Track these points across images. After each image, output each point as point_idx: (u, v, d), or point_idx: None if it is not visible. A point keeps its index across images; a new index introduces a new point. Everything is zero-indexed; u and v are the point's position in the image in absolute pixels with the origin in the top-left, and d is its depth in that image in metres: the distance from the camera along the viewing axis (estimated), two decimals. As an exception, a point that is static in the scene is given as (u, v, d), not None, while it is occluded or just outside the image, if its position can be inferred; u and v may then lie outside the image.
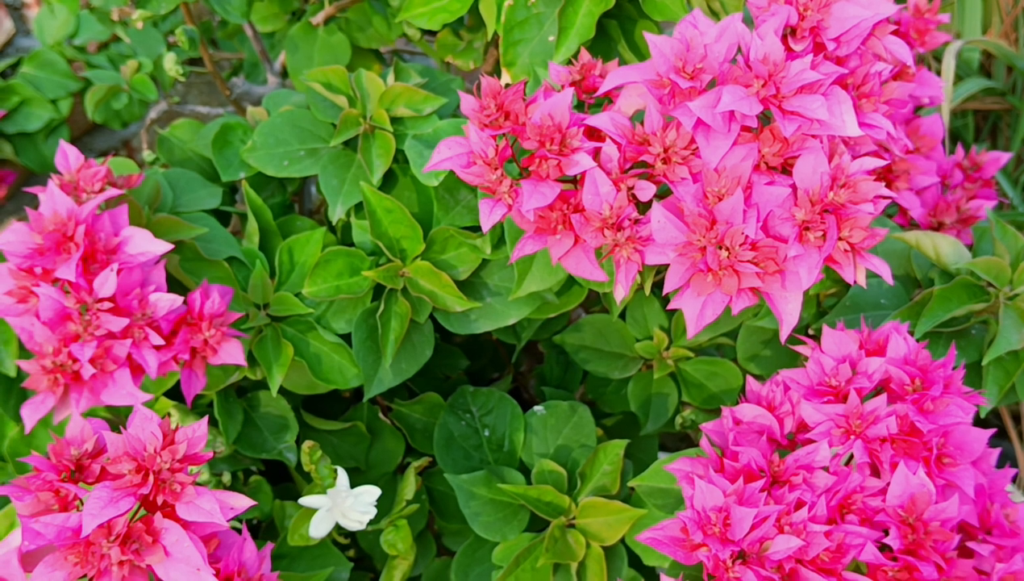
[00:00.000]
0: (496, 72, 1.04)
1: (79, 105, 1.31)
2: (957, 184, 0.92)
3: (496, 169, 0.61)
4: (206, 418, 0.55)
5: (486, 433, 0.91)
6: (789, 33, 0.64)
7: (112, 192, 0.71)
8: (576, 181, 0.64)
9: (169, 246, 0.69)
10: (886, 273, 0.62)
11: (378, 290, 0.81)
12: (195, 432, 0.53)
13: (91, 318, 0.66)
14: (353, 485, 0.79)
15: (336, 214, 0.84)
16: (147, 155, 0.91)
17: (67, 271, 0.66)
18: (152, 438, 0.52)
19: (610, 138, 0.63)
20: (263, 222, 0.84)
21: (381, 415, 0.93)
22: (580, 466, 0.86)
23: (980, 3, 1.35)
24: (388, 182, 0.86)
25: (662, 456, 1.13)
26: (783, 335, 0.64)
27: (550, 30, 0.85)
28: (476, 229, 0.82)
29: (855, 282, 0.62)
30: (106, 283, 0.67)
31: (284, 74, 1.09)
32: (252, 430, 0.83)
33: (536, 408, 0.91)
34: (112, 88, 0.95)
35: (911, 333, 0.74)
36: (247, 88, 1.06)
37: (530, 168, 0.61)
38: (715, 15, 0.83)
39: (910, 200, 0.87)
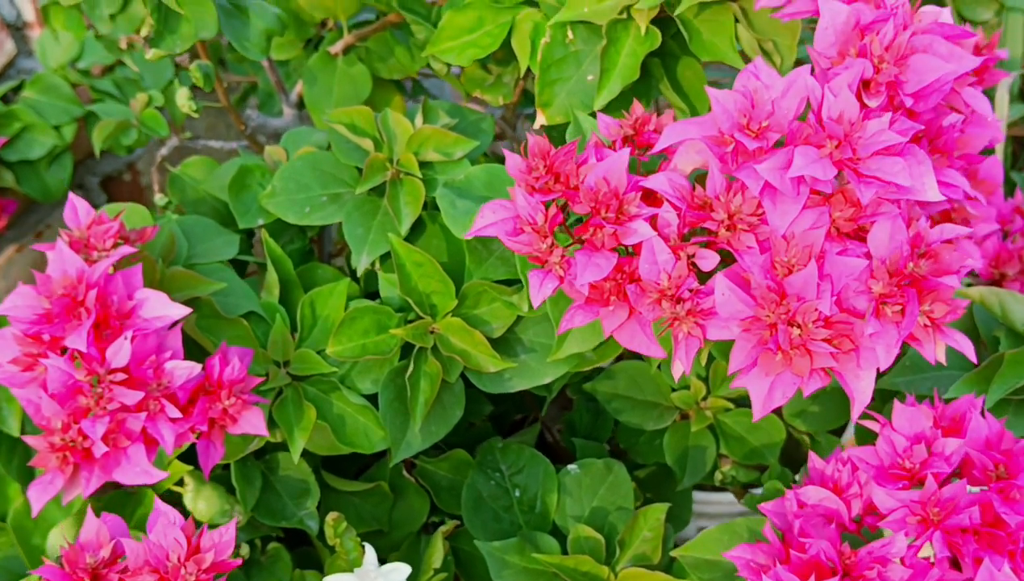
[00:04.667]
0: (521, 103, 0.99)
1: (82, 128, 1.26)
2: (1018, 230, 0.87)
3: (546, 237, 0.56)
4: (234, 523, 0.50)
5: (517, 493, 0.86)
6: (862, 86, 0.59)
7: (125, 250, 0.66)
8: (631, 248, 0.58)
9: (187, 311, 0.64)
10: (969, 351, 0.57)
11: (406, 347, 0.76)
12: (222, 537, 0.48)
13: (103, 391, 0.61)
14: (375, 545, 0.74)
15: (361, 265, 0.79)
16: (159, 199, 0.85)
17: (78, 340, 0.61)
18: (176, 545, 0.47)
19: (668, 201, 0.58)
20: (283, 273, 0.79)
21: (405, 472, 0.88)
22: (619, 532, 0.81)
23: (1021, 30, 1.30)
24: (415, 229, 0.80)
25: (697, 497, 1.08)
26: (854, 414, 0.59)
27: (589, 69, 0.80)
28: (511, 282, 0.77)
29: (936, 361, 0.57)
30: (120, 352, 0.62)
31: (300, 105, 1.04)
32: (271, 495, 0.78)
33: (570, 467, 0.86)
34: (121, 123, 0.90)
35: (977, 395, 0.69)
36: (262, 121, 1.00)
37: (583, 237, 0.56)
38: (767, 55, 0.78)
39: (969, 249, 0.82)
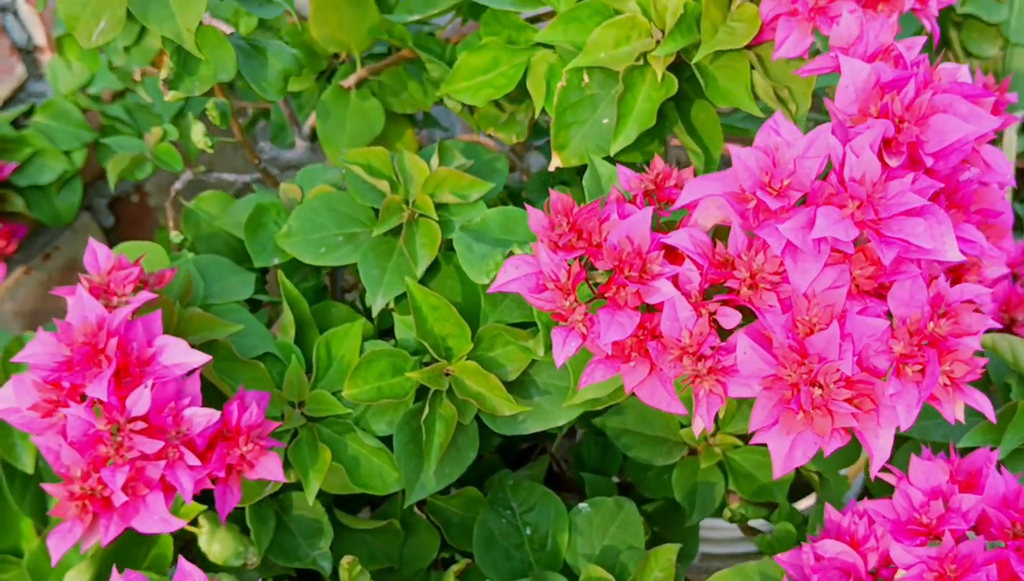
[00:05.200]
0: (531, 135, 0.99)
1: (92, 151, 1.26)
2: (1027, 273, 0.87)
3: (569, 294, 0.56)
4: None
5: (528, 532, 0.86)
6: (883, 145, 0.59)
7: (145, 296, 0.66)
8: (652, 305, 0.59)
9: (206, 358, 0.64)
10: (989, 410, 0.58)
11: (421, 390, 0.76)
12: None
13: (123, 439, 0.61)
14: (385, 583, 0.75)
15: (377, 306, 0.79)
16: (175, 236, 0.86)
17: (99, 390, 0.61)
18: (200, 608, 0.47)
19: (689, 258, 0.58)
20: (298, 313, 0.79)
21: (416, 509, 0.88)
22: (630, 572, 0.81)
23: (1026, 62, 1.31)
24: (430, 270, 0.81)
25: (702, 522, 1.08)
26: (873, 470, 0.59)
27: (604, 113, 0.81)
28: (526, 325, 0.77)
29: (955, 421, 0.57)
30: (140, 401, 0.62)
31: (313, 137, 1.04)
32: (284, 535, 0.78)
33: (581, 506, 0.86)
34: (136, 157, 0.90)
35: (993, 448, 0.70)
36: (275, 153, 1.01)
37: (606, 294, 0.57)
38: (782, 102, 0.79)
39: (981, 295, 0.83)
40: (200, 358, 0.64)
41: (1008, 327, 0.84)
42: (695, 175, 0.85)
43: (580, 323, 0.56)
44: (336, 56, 1.05)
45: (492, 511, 0.86)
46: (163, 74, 0.73)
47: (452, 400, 0.76)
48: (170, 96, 0.73)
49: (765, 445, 0.97)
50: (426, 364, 0.76)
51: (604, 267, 0.57)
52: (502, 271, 0.59)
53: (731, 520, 0.94)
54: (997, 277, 0.85)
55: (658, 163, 0.63)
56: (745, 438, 0.92)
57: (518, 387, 0.78)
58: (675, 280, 0.57)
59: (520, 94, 0.91)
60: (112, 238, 1.52)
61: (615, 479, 1.02)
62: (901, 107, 0.59)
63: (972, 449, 0.72)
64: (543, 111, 0.84)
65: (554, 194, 0.58)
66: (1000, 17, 1.22)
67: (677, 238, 0.58)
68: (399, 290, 0.79)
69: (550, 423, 0.78)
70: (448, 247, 0.81)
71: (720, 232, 0.62)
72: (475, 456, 0.79)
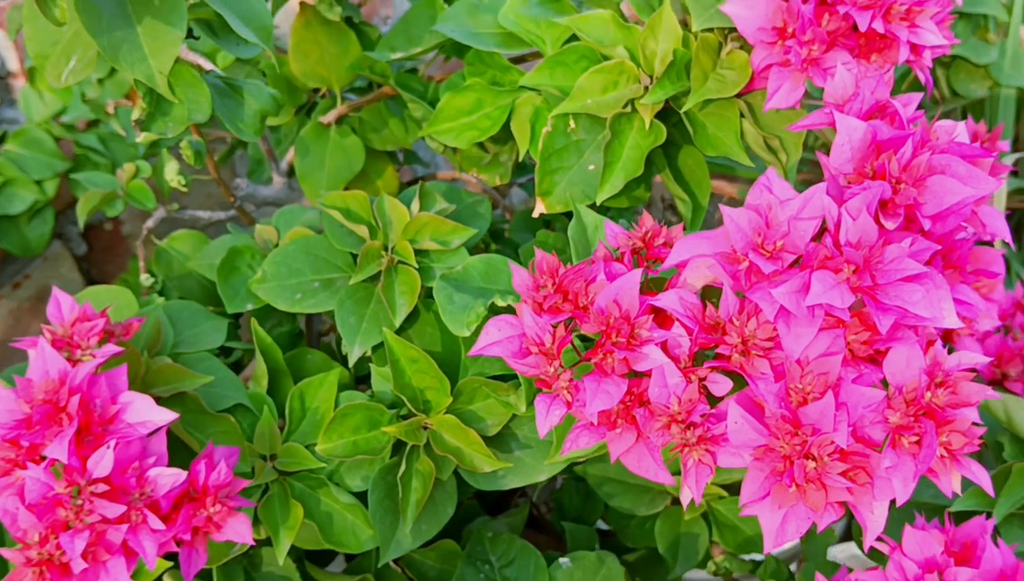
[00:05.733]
0: (514, 173, 0.97)
1: (64, 180, 1.24)
2: (1019, 325, 0.86)
3: (554, 360, 0.54)
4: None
5: (507, 587, 0.83)
6: (880, 207, 0.57)
7: (110, 349, 0.63)
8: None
9: (173, 416, 0.61)
10: (986, 483, 0.56)
11: (398, 444, 0.74)
12: None
13: (83, 503, 0.58)
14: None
15: (354, 355, 0.76)
16: (145, 279, 0.83)
17: (59, 451, 0.58)
18: None
19: (679, 321, 0.56)
20: (271, 362, 0.77)
21: (391, 563, 0.86)
22: (611, 631, 0.78)
23: (1013, 104, 1.30)
24: (410, 317, 0.78)
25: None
26: (866, 543, 0.57)
27: (591, 159, 0.78)
28: (507, 378, 0.75)
29: (952, 494, 0.55)
30: (101, 462, 0.59)
31: (291, 172, 1.02)
32: (254, 594, 0.75)
33: (562, 561, 0.84)
34: (107, 195, 0.87)
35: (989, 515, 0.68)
36: (251, 189, 0.98)
37: (593, 360, 0.54)
38: (772, 152, 0.77)
39: (971, 347, 0.81)
40: (166, 416, 0.61)
41: (999, 382, 0.82)
42: (682, 223, 0.84)
43: (565, 390, 0.54)
44: (316, 90, 1.02)
45: (470, 565, 0.83)
46: (135, 115, 0.71)
47: (430, 455, 0.73)
48: (142, 138, 0.70)
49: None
50: (403, 417, 0.74)
51: (590, 331, 0.55)
52: (484, 333, 0.56)
53: (715, 574, 0.92)
54: (988, 330, 0.84)
55: (647, 220, 0.61)
56: (730, 488, 0.90)
57: (498, 441, 0.75)
58: (664, 345, 0.55)
59: (504, 135, 0.89)
60: (85, 266, 1.48)
61: (596, 534, 1.00)
62: (898, 168, 0.57)
63: (966, 513, 0.70)
64: (527, 152, 0.82)
65: (539, 253, 0.56)
66: (989, 59, 1.21)
67: (666, 301, 0.56)
68: (377, 339, 0.76)
69: (531, 479, 0.75)
70: (428, 294, 0.78)
71: (710, 292, 0.60)
72: (453, 511, 0.76)
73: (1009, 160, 1.12)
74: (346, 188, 1.01)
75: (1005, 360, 0.82)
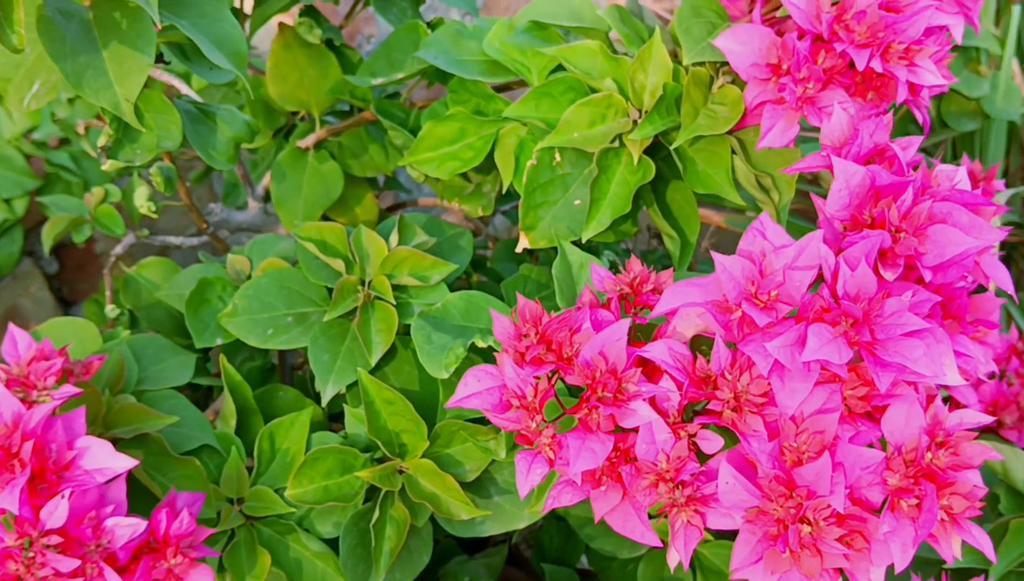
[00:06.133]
0: (497, 199, 0.94)
1: (35, 197, 1.20)
2: (1014, 370, 0.83)
3: (536, 414, 0.51)
4: None
5: (484, 636, 0.80)
6: (879, 256, 0.55)
7: (68, 391, 0.60)
8: (627, 424, 0.54)
9: (133, 463, 0.58)
10: (988, 549, 0.53)
11: (372, 489, 0.70)
12: None
13: (35, 555, 0.55)
14: None
15: (327, 394, 0.73)
16: (110, 311, 0.79)
17: (9, 500, 0.54)
18: None
19: (668, 374, 0.53)
20: (240, 401, 0.73)
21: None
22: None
23: (1004, 136, 1.28)
24: (386, 354, 0.75)
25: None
26: (861, 609, 0.54)
27: (576, 193, 0.76)
28: (487, 420, 0.72)
29: (952, 559, 0.52)
30: (55, 513, 0.55)
31: (267, 197, 0.99)
32: (218, 644, 0.72)
33: (541, 607, 0.81)
34: (74, 220, 0.84)
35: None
36: (226, 215, 0.95)
37: (577, 415, 0.51)
38: (765, 191, 0.74)
39: (967, 395, 0.78)
40: (125, 463, 0.58)
41: (994, 430, 0.80)
42: (671, 268, 0.81)
43: (547, 447, 0.51)
44: (295, 113, 0.99)
45: (446, 613, 0.80)
46: (101, 141, 0.68)
47: (405, 501, 0.70)
48: (108, 165, 0.67)
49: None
50: (378, 461, 0.70)
51: (574, 381, 0.52)
52: (462, 384, 0.53)
53: (699, 620, 0.89)
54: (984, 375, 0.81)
55: (635, 265, 0.58)
56: (716, 532, 0.87)
57: (476, 486, 0.72)
58: (652, 399, 0.52)
59: (488, 165, 0.86)
60: (56, 285, 1.45)
61: (577, 576, 0.97)
62: (898, 216, 0.54)
63: (962, 570, 0.68)
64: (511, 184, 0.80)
65: (521, 300, 0.53)
66: (980, 92, 1.19)
67: (655, 351, 0.53)
68: (351, 378, 0.73)
69: (511, 526, 0.72)
70: (406, 330, 0.75)
71: (701, 342, 0.57)
72: (428, 559, 0.73)
73: (1004, 197, 1.10)
74: (324, 215, 0.98)
75: (1000, 407, 0.79)
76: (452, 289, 0.80)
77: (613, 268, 1.00)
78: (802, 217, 1.20)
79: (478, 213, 0.88)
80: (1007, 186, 1.36)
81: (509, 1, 1.82)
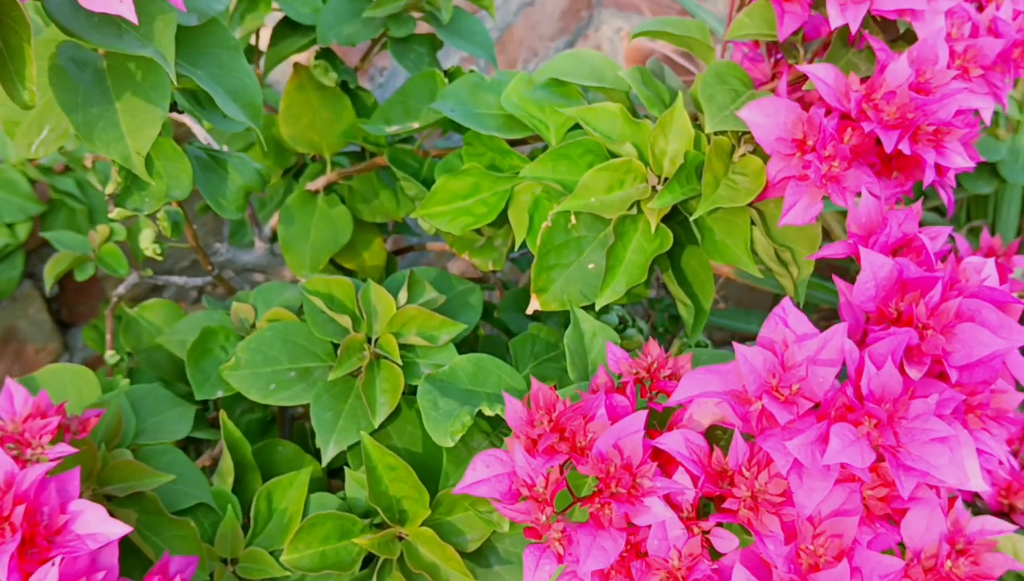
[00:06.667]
0: (508, 253, 0.92)
1: (37, 220, 1.19)
2: (1026, 452, 0.82)
3: (546, 506, 0.49)
4: None
5: None
6: (905, 353, 0.53)
7: (63, 450, 0.58)
8: (639, 517, 0.52)
9: (126, 530, 0.56)
10: (1007, 663, 0.51)
11: (370, 555, 0.69)
12: None
13: (21, 626, 0.53)
14: None
15: (328, 454, 0.71)
16: (110, 357, 0.78)
17: (-3, 568, 0.53)
18: None
19: (683, 467, 0.52)
20: (239, 456, 0.72)
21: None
22: None
23: (1019, 199, 1.27)
24: (391, 414, 0.73)
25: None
26: None
27: (591, 257, 0.74)
28: (491, 488, 0.70)
29: (971, 673, 0.51)
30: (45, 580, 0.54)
31: (274, 238, 0.97)
32: None
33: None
34: (78, 258, 0.82)
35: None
36: (231, 254, 0.93)
37: (589, 508, 0.50)
38: (783, 265, 0.73)
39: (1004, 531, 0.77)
40: (119, 529, 0.56)
41: (1006, 514, 0.78)
42: (685, 326, 0.79)
43: (556, 542, 0.49)
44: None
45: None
46: (109, 188, 0.66)
47: (403, 570, 0.68)
48: (115, 213, 0.66)
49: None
50: (377, 526, 0.69)
51: (586, 471, 0.50)
52: (471, 468, 0.51)
53: None
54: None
55: (652, 348, 0.57)
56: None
57: (476, 555, 0.70)
58: (668, 499, 0.51)
59: (500, 219, 0.85)
60: (55, 307, 1.43)
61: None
62: (926, 312, 0.53)
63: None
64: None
65: (535, 384, 0.52)
66: (998, 156, 1.18)
67: (671, 442, 0.52)
68: (354, 438, 0.71)
69: (510, 597, 0.70)
70: (412, 390, 0.74)
71: (718, 432, 0.55)
72: (425, 629, 0.71)
73: (1021, 272, 1.09)
74: (332, 259, 0.97)
75: (1013, 491, 0.78)
76: (460, 342, 0.78)
77: (622, 323, 0.98)
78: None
79: (488, 267, 0.86)
80: (1021, 249, 1.34)
81: (523, 35, 1.81)
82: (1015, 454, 0.83)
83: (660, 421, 0.56)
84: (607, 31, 2.01)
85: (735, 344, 0.52)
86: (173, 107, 0.68)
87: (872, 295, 0.55)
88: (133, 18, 0.47)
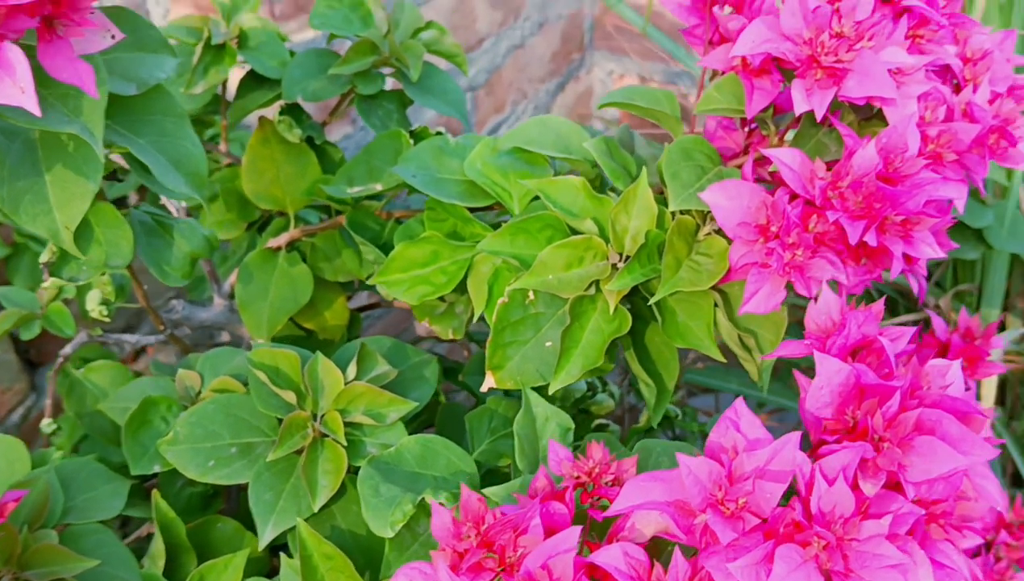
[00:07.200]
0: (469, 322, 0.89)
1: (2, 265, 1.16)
2: (1003, 543, 0.79)
3: (471, 629, 0.46)
4: None
5: None
6: (859, 466, 0.50)
7: (-26, 540, 0.55)
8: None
9: (35, 629, 0.53)
10: None
11: (306, 647, 0.65)
12: None
13: None
14: None
15: (265, 538, 0.68)
16: (45, 426, 0.75)
17: None
18: None
19: (621, 585, 0.48)
20: (172, 537, 0.69)
21: None
22: None
23: (1007, 268, 1.24)
24: (336, 493, 0.70)
25: None
26: None
27: (548, 335, 0.71)
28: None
29: None
30: None
31: (233, 294, 0.95)
32: None
33: None
34: (24, 316, 0.80)
35: None
36: (188, 311, 0.91)
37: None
38: (747, 349, 0.70)
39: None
40: (28, 628, 0.53)
41: (979, 612, 0.75)
42: (647, 407, 0.77)
43: (481, 669, 0.46)
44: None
45: None
46: (44, 257, 0.64)
47: (339, 664, 0.65)
48: (49, 282, 0.63)
49: None
50: (314, 618, 0.65)
51: (517, 587, 0.47)
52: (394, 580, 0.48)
53: None
54: (971, 547, 0.76)
55: (595, 451, 0.54)
56: None
57: (420, 646, 0.67)
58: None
59: (461, 286, 0.82)
60: (22, 347, 1.40)
61: None
62: (883, 423, 0.50)
63: None
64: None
65: (465, 492, 0.49)
66: (984, 222, 1.16)
67: (608, 556, 0.49)
68: (293, 521, 0.68)
69: None
70: (357, 469, 0.71)
71: (660, 544, 0.52)
72: None
73: (1010, 337, 1.06)
74: (292, 318, 0.94)
75: (985, 588, 0.75)
76: (420, 411, 0.76)
77: (591, 389, 0.95)
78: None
79: (448, 335, 0.83)
80: (1008, 310, 1.32)
81: (512, 77, 1.79)
82: (989, 546, 0.79)
83: (600, 531, 0.53)
84: (599, 73, 1.99)
85: (679, 456, 0.49)
86: (112, 175, 0.65)
87: (827, 402, 0.52)
88: (36, 111, 0.45)
